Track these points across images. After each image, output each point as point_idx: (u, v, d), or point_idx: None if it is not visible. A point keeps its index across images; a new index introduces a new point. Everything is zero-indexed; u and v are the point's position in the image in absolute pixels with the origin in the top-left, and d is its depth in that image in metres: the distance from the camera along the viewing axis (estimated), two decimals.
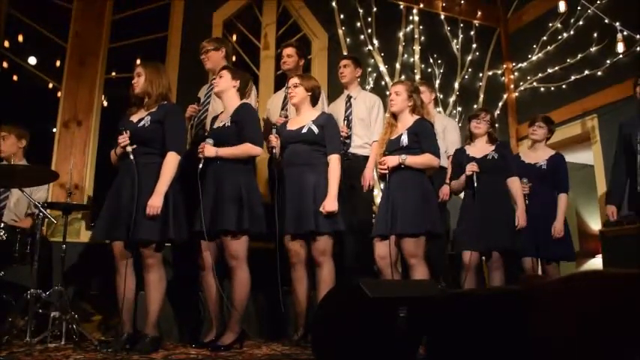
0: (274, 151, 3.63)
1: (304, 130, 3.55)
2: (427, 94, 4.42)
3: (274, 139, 3.64)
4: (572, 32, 5.68)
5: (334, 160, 3.50)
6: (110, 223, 3.11)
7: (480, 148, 4.11)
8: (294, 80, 3.69)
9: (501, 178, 4.03)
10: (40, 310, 3.24)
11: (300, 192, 3.45)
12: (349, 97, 4.41)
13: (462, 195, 4.31)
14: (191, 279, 3.58)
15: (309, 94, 3.66)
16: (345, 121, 4.28)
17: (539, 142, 4.47)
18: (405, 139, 3.54)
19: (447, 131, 4.59)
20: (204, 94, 4.08)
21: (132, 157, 3.13)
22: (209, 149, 3.33)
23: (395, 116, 3.71)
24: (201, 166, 3.32)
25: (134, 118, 3.27)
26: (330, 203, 3.38)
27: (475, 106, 6.05)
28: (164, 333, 3.40)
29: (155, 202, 3.03)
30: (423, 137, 3.54)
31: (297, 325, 3.55)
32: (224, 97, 3.52)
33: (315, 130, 3.52)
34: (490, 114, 4.22)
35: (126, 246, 3.14)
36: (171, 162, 3.13)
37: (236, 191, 3.27)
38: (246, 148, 3.35)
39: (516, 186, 4.04)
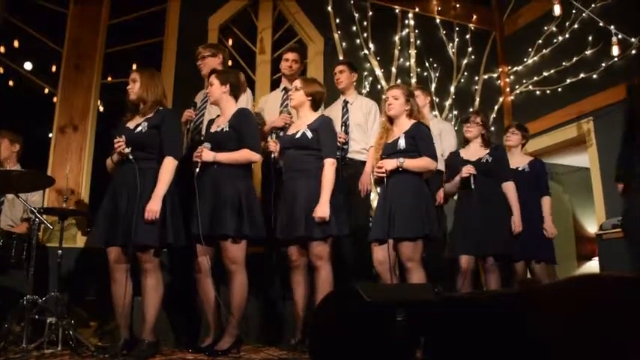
0: (273, 155, 3.63)
1: (298, 135, 3.54)
2: (422, 98, 4.42)
3: (273, 145, 3.64)
4: (567, 35, 5.70)
5: (328, 165, 3.45)
6: (108, 229, 3.11)
7: (474, 152, 4.13)
8: (297, 83, 3.69)
9: (494, 182, 4.06)
10: (37, 316, 3.23)
11: (292, 198, 3.45)
12: (346, 102, 4.41)
13: (455, 197, 4.31)
14: (188, 284, 3.56)
15: (309, 98, 3.64)
16: (343, 127, 4.28)
17: (514, 148, 4.56)
18: (402, 143, 3.53)
19: (444, 135, 4.60)
20: (201, 100, 4.08)
21: (131, 157, 3.12)
22: (207, 153, 3.32)
23: (390, 120, 3.71)
24: (197, 170, 3.32)
25: (130, 125, 3.26)
26: (322, 209, 3.34)
27: (471, 110, 6.07)
28: (161, 338, 3.39)
29: (153, 207, 3.03)
30: (420, 141, 3.53)
31: (294, 330, 3.54)
32: (220, 104, 3.52)
33: (309, 134, 3.51)
34: (481, 116, 4.24)
35: (123, 251, 3.14)
36: (168, 166, 3.13)
37: (235, 196, 3.26)
38: (244, 154, 3.35)
39: (512, 191, 4.06)
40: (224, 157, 3.32)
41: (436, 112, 5.84)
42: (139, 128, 3.21)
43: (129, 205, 3.06)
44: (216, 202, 3.27)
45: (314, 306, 3.32)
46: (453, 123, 5.83)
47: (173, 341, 3.66)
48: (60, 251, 3.45)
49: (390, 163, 3.49)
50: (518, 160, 4.47)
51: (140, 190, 3.06)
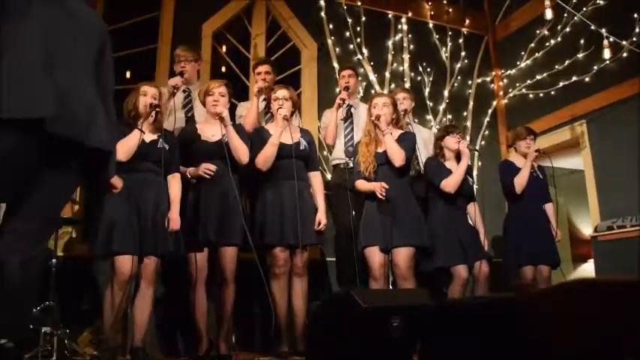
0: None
1: (302, 147, 3.64)
2: (409, 102, 4.40)
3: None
4: (559, 39, 5.72)
5: (320, 176, 3.77)
6: (132, 238, 3.10)
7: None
8: (285, 93, 3.67)
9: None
10: (31, 326, 3.21)
11: (292, 205, 3.48)
12: (349, 106, 4.40)
13: None
14: (181, 291, 3.56)
15: (293, 109, 3.75)
16: (349, 129, 4.30)
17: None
18: None
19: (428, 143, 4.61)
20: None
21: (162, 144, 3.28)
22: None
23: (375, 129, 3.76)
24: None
25: (146, 138, 3.28)
26: (324, 216, 3.57)
27: (465, 114, 6.09)
28: (154, 346, 3.38)
29: (176, 215, 3.20)
30: (402, 142, 3.68)
31: (281, 338, 3.51)
32: (223, 116, 3.45)
33: (307, 146, 3.68)
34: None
35: (134, 260, 3.14)
36: (179, 182, 3.34)
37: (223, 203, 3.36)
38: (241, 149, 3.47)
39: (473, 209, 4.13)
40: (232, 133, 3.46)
41: (430, 117, 5.86)
42: (158, 144, 3.28)
43: (155, 216, 3.16)
44: (206, 211, 3.35)
45: (295, 313, 3.43)
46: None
47: (167, 349, 3.65)
48: (54, 260, 3.44)
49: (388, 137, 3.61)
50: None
51: (156, 201, 3.20)
